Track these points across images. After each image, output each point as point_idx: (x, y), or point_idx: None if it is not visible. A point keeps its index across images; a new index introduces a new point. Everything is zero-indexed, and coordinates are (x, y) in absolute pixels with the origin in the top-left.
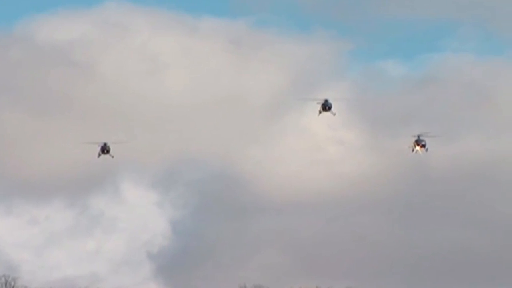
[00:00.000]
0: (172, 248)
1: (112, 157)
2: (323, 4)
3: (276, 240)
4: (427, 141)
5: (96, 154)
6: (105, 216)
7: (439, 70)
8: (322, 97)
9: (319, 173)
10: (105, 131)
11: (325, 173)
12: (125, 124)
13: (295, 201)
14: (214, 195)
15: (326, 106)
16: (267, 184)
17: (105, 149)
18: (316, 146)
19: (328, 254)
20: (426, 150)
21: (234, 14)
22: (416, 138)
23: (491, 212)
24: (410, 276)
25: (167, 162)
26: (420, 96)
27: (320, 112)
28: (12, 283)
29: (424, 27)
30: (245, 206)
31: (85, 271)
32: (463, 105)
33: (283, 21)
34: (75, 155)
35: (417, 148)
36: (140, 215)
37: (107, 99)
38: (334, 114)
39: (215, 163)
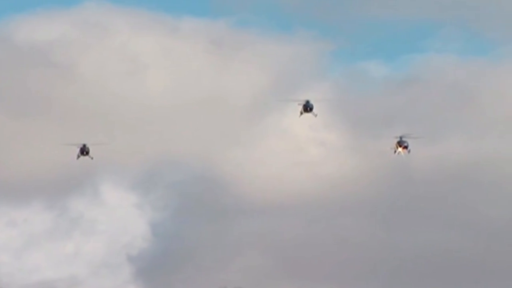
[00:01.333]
0: (152, 251)
1: (92, 158)
2: (304, 4)
3: (257, 242)
4: (410, 142)
5: (75, 156)
6: (84, 218)
7: (422, 71)
8: (303, 98)
9: (301, 175)
10: (85, 132)
11: (306, 175)
12: (105, 125)
13: (276, 203)
14: (195, 197)
15: (307, 107)
16: (248, 186)
17: (84, 151)
18: (298, 147)
19: (310, 256)
20: (409, 151)
21: (215, 14)
22: (398, 139)
23: (475, 214)
24: (392, 278)
25: (147, 163)
26: (403, 97)
27: (301, 113)
28: None
29: (407, 28)
30: (226, 208)
31: (64, 274)
32: (446, 106)
33: (264, 21)
34: (54, 156)
35: (400, 149)
36: (119, 217)
37: (86, 100)
38: (316, 115)
39: (196, 164)
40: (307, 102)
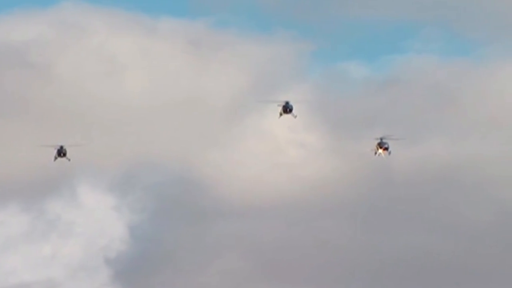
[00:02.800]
0: (130, 253)
1: (69, 160)
2: (284, 5)
3: (236, 245)
4: (390, 144)
5: (52, 157)
6: (61, 220)
7: (402, 72)
8: (283, 99)
9: (280, 177)
10: (62, 134)
11: (286, 177)
12: (82, 126)
13: (256, 205)
14: (173, 199)
15: (287, 108)
16: (227, 188)
17: (61, 152)
18: (277, 149)
19: (290, 259)
20: (389, 153)
21: (194, 15)
22: (379, 141)
23: (456, 217)
24: (373, 281)
25: (125, 165)
26: (383, 98)
27: (281, 114)
28: None
29: (387, 28)
30: (205, 211)
31: (41, 277)
32: (427, 107)
33: (243, 21)
34: (31, 158)
35: (380, 151)
36: (97, 219)
37: (63, 101)
38: (295, 117)
39: (174, 166)
40: (287, 103)
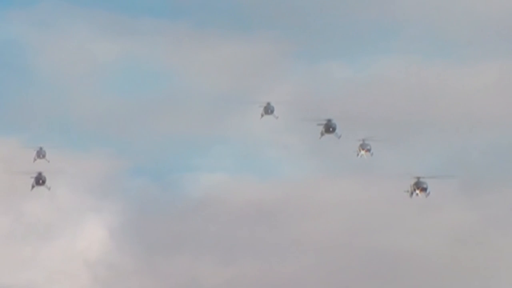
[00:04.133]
0: (110, 256)
1: (48, 162)
2: (265, 5)
3: (216, 248)
4: (373, 145)
5: (32, 159)
6: (41, 223)
7: (385, 72)
8: (264, 100)
9: (261, 178)
10: (41, 135)
11: (267, 178)
12: (62, 128)
13: (236, 207)
14: (153, 201)
15: (268, 109)
16: (208, 189)
17: (40, 154)
18: (259, 150)
19: (270, 261)
20: (372, 154)
21: (174, 15)
22: (361, 142)
23: (438, 218)
24: (354, 283)
25: (105, 167)
26: (366, 99)
27: (262, 115)
28: None
29: (370, 28)
30: (186, 213)
31: (21, 280)
32: (410, 107)
33: (224, 22)
34: (10, 159)
35: (362, 152)
36: (77, 221)
37: (43, 102)
38: (277, 118)
39: (154, 168)
40: (269, 104)
